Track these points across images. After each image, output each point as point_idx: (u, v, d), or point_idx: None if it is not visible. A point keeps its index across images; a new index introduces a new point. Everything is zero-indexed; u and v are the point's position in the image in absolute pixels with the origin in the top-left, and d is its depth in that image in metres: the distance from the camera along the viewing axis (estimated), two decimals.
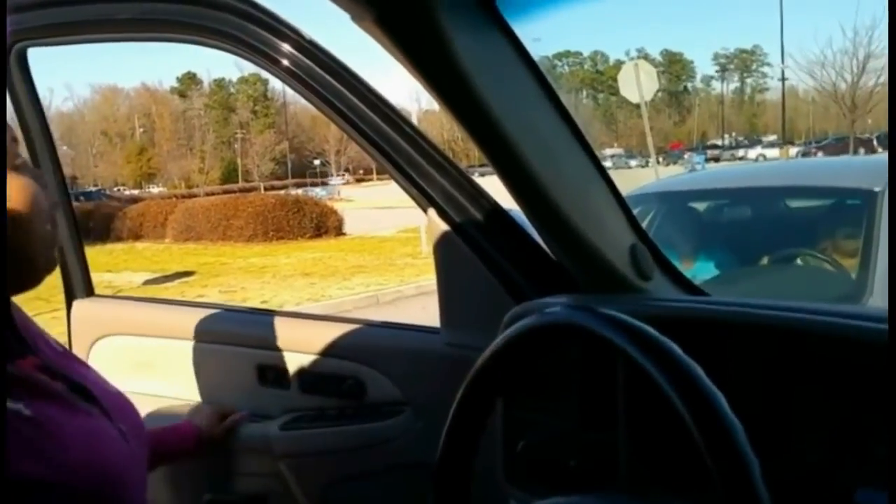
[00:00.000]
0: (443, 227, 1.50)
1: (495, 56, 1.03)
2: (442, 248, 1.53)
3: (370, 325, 1.78)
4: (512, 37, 1.03)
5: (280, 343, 1.70)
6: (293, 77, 1.46)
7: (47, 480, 0.82)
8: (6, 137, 0.61)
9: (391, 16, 0.90)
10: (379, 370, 1.62)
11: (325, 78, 1.46)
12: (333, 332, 1.68)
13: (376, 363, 1.63)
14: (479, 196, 1.49)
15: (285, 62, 1.46)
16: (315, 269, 12.81)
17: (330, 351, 1.66)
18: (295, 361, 1.68)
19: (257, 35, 1.45)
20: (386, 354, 1.64)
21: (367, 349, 1.65)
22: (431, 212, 1.51)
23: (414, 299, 9.62)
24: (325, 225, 18.33)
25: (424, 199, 1.51)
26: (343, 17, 0.94)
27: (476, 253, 1.48)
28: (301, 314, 2.05)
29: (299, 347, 1.69)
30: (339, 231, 18.43)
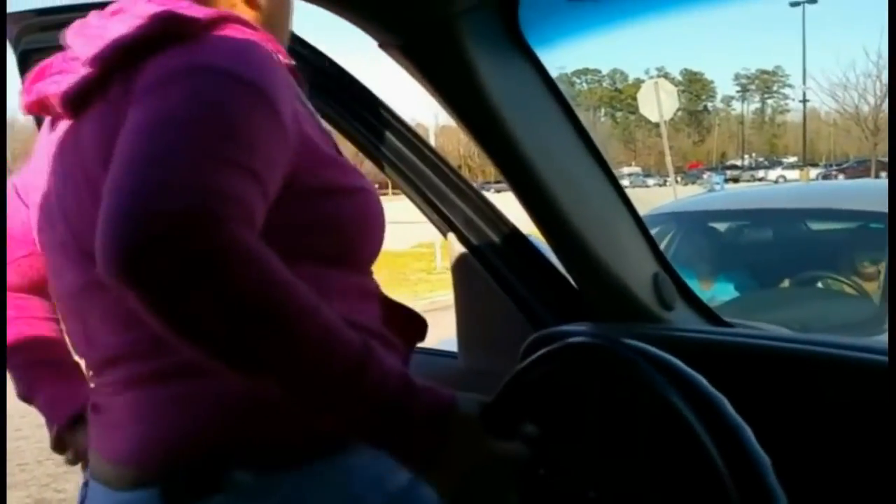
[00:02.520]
0: (462, 251, 1.49)
1: (520, 83, 1.02)
2: (461, 273, 1.52)
3: None
4: (537, 64, 1.03)
5: None
6: (312, 97, 1.46)
7: None
8: (6, 136, 0.64)
9: (418, 43, 0.90)
10: None
11: (345, 99, 1.46)
12: None
13: None
14: (499, 221, 1.48)
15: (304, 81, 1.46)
16: None
17: None
18: None
19: None
20: None
21: None
22: (451, 236, 1.50)
23: (428, 315, 9.59)
24: None
25: (444, 223, 1.50)
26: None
27: (495, 278, 1.47)
28: None
29: None
30: None
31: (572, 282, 1.36)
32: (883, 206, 3.10)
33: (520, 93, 1.03)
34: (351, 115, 1.46)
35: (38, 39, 1.60)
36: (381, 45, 0.91)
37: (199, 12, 0.78)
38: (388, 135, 1.46)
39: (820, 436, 0.97)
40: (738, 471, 0.74)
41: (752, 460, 0.74)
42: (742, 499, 0.74)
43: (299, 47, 1.44)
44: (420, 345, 1.78)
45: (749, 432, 0.76)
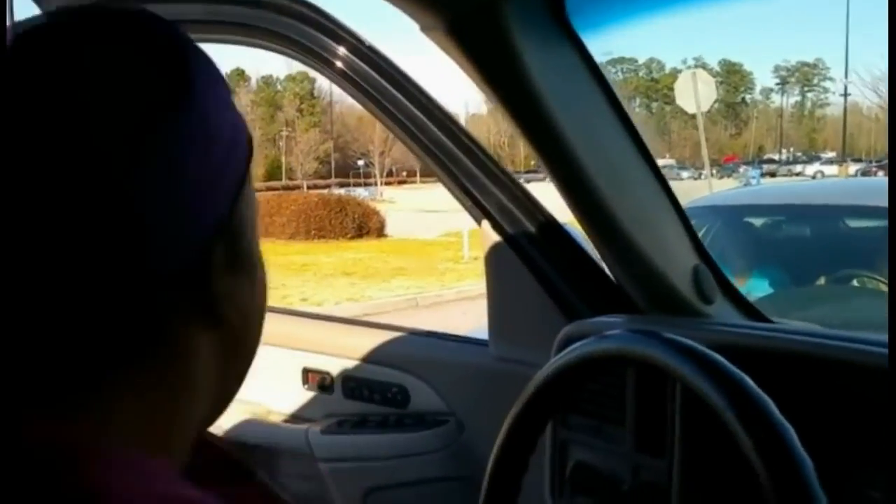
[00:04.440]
0: (496, 239, 1.48)
1: (565, 69, 1.01)
2: (494, 261, 1.51)
3: (417, 333, 1.77)
4: (583, 50, 1.01)
5: (326, 347, 1.70)
6: (348, 80, 1.45)
7: None
8: (6, 134, 0.43)
9: (462, 27, 0.88)
10: (424, 380, 1.61)
11: (382, 83, 1.45)
12: (379, 338, 1.67)
13: (422, 373, 1.61)
14: (535, 210, 1.47)
15: (340, 65, 1.45)
16: (355, 270, 12.87)
17: (375, 358, 1.65)
18: (340, 366, 1.67)
19: (314, 38, 1.44)
20: (432, 364, 1.62)
21: (413, 358, 1.64)
22: (485, 223, 1.49)
23: (454, 304, 9.61)
24: (366, 226, 18.40)
25: (478, 210, 1.49)
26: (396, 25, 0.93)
27: (529, 267, 1.46)
28: (349, 320, 2.05)
29: (345, 353, 1.68)
30: (380, 232, 18.50)
31: (608, 272, 1.35)
32: None
33: (564, 79, 1.01)
34: (385, 97, 1.45)
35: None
36: (423, 29, 0.90)
37: None
38: (423, 118, 1.45)
39: (863, 436, 0.95)
40: (780, 472, 0.73)
41: (794, 462, 0.73)
42: (780, 500, 0.73)
43: (336, 27, 1.43)
44: (451, 332, 1.78)
45: (791, 432, 0.74)
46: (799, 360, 1.02)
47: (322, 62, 1.46)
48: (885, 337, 1.02)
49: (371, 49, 1.44)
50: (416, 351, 1.67)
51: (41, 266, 0.41)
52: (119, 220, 0.42)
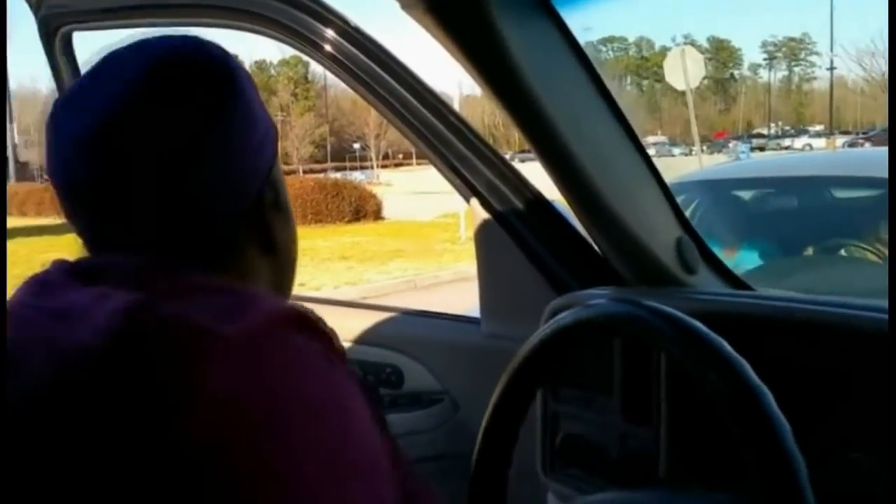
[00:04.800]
0: (485, 216, 1.50)
1: (545, 45, 1.02)
2: (483, 239, 1.53)
3: (409, 313, 1.78)
4: (562, 26, 1.02)
5: None
6: (336, 63, 1.46)
7: None
8: (6, 134, 0.59)
9: (442, 4, 0.90)
10: (418, 360, 1.62)
11: (369, 65, 1.46)
12: (372, 319, 1.68)
13: (415, 352, 1.62)
14: (523, 187, 1.48)
15: (328, 48, 1.45)
16: (353, 253, 12.87)
17: (368, 339, 1.66)
18: None
19: (301, 21, 1.45)
20: (425, 344, 1.63)
21: (405, 338, 1.65)
22: (474, 201, 1.50)
23: (452, 285, 9.63)
24: (363, 209, 18.38)
25: (467, 188, 1.50)
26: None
27: (518, 244, 1.48)
28: (340, 301, 2.06)
29: (338, 334, 1.68)
30: (377, 215, 18.48)
31: (595, 247, 1.37)
32: None
33: (544, 54, 1.02)
34: (373, 79, 1.46)
35: (59, 4, 1.61)
36: (403, 7, 0.91)
37: (228, 328, 0.57)
38: (412, 99, 1.46)
39: (843, 398, 0.97)
40: (757, 435, 0.74)
41: (771, 425, 0.74)
42: (760, 463, 0.74)
43: (323, 10, 1.44)
44: (443, 311, 1.80)
45: (769, 396, 0.76)
46: (779, 325, 1.05)
47: (311, 45, 1.46)
48: (865, 301, 1.04)
49: (358, 31, 1.45)
50: (409, 331, 1.68)
51: (177, 214, 0.66)
52: (195, 184, 0.65)
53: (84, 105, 0.65)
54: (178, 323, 0.57)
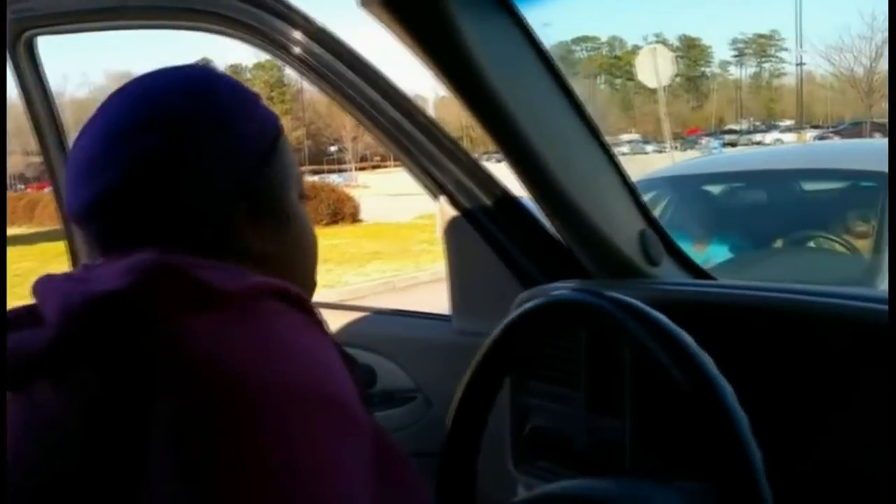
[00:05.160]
0: (453, 214, 1.51)
1: (504, 40, 1.03)
2: (452, 236, 1.54)
3: (380, 312, 1.78)
4: (520, 22, 1.03)
5: None
6: (304, 64, 1.46)
7: None
8: (6, 135, 0.65)
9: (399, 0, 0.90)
10: (390, 358, 1.62)
11: (336, 66, 1.46)
12: (342, 320, 1.68)
13: (387, 351, 1.62)
14: (491, 183, 1.49)
15: (297, 50, 1.45)
16: (331, 256, 12.82)
17: (340, 339, 1.63)
18: None
19: (268, 22, 1.45)
20: (397, 343, 1.64)
21: (377, 337, 1.65)
22: (443, 199, 1.51)
23: (430, 285, 9.62)
24: (341, 211, 18.32)
25: (435, 185, 1.51)
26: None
27: (487, 240, 1.49)
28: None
29: None
30: (355, 218, 18.44)
31: (562, 241, 1.38)
32: (875, 166, 3.12)
33: (503, 50, 1.03)
34: (341, 79, 1.46)
35: (22, 8, 1.60)
36: (361, 4, 0.91)
37: (231, 283, 0.67)
38: (380, 99, 1.46)
39: (802, 385, 0.99)
40: (715, 429, 0.76)
41: (729, 419, 0.76)
42: (718, 457, 0.76)
43: (290, 11, 1.44)
44: (416, 310, 1.80)
45: (727, 388, 0.77)
46: (739, 313, 1.06)
47: (278, 47, 1.46)
48: (824, 288, 1.06)
49: (323, 32, 1.45)
50: (380, 330, 1.68)
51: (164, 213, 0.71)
52: (170, 200, 0.71)
53: (85, 133, 0.74)
54: (180, 273, 0.64)
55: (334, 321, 1.68)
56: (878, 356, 0.91)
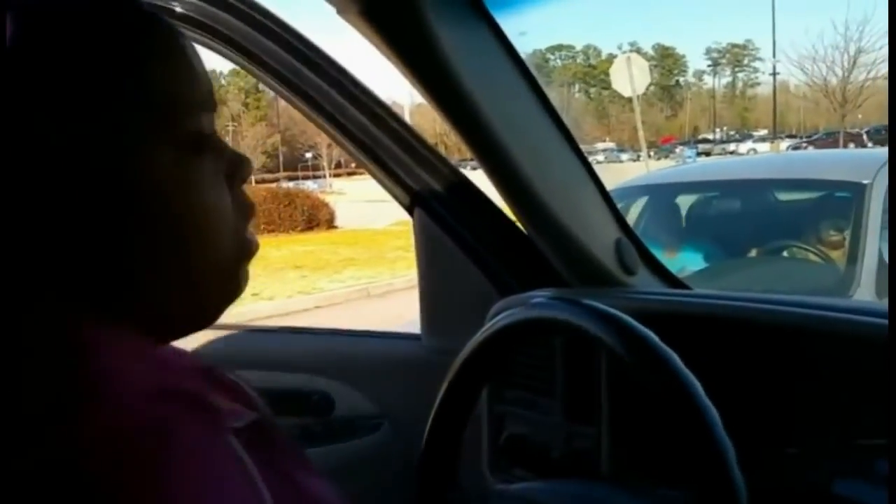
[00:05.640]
0: (427, 224, 1.44)
1: (480, 49, 1.03)
2: (424, 248, 1.47)
3: (337, 333, 1.69)
4: (497, 31, 1.03)
5: (234, 357, 1.50)
6: (267, 70, 1.37)
7: None
8: (5, 132, 0.50)
9: (376, 9, 0.90)
10: (349, 383, 1.49)
11: (302, 70, 1.37)
12: (296, 343, 1.59)
13: (346, 375, 1.49)
14: (466, 190, 1.44)
15: (262, 56, 1.36)
16: (306, 262, 12.78)
17: (291, 364, 1.52)
18: (252, 379, 1.52)
19: (229, 23, 1.35)
20: (357, 365, 1.52)
21: (334, 361, 1.52)
22: (418, 211, 1.44)
23: (406, 292, 9.61)
24: (316, 218, 18.29)
25: (407, 195, 1.44)
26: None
27: (463, 249, 1.43)
28: (259, 327, 1.92)
29: (255, 361, 1.50)
30: (330, 224, 18.40)
31: (539, 249, 1.37)
32: (848, 176, 3.16)
33: (479, 57, 1.03)
34: (309, 85, 1.39)
35: None
36: (339, 12, 0.91)
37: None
38: (345, 102, 1.39)
39: (774, 392, 0.99)
40: (686, 423, 0.76)
41: (699, 413, 0.76)
42: (690, 451, 0.75)
43: (263, 18, 1.38)
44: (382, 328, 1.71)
45: (697, 385, 0.77)
46: (714, 322, 1.07)
47: (238, 50, 1.37)
48: (798, 298, 1.07)
49: (296, 35, 1.37)
50: (336, 353, 1.56)
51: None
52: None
53: None
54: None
55: (283, 344, 1.60)
56: (854, 367, 0.92)
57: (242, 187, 0.63)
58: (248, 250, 0.62)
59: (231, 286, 0.61)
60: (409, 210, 1.46)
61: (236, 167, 0.61)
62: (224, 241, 0.59)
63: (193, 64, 0.59)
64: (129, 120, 0.54)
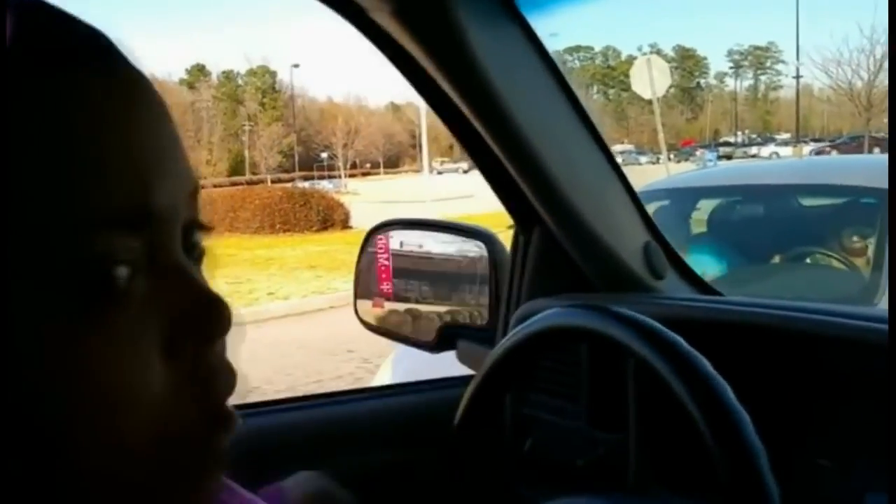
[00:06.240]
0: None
1: (511, 50, 1.02)
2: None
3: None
4: (529, 31, 1.02)
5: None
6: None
7: None
8: (6, 137, 0.39)
9: (409, 8, 0.89)
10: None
11: None
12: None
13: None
14: None
15: None
16: (321, 262, 12.82)
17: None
18: None
19: None
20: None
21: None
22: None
23: None
24: (331, 218, 18.36)
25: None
26: None
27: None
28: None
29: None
30: (345, 224, 18.45)
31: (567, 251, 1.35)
32: (874, 182, 3.12)
33: (511, 59, 1.02)
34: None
35: None
36: (370, 12, 0.91)
37: None
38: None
39: (806, 402, 0.98)
40: (717, 427, 0.75)
41: (730, 417, 0.75)
42: (721, 455, 0.74)
43: None
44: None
45: (727, 389, 0.76)
46: (748, 331, 1.05)
47: None
48: (834, 307, 1.05)
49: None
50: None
51: None
52: None
53: None
54: None
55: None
56: (888, 380, 0.90)
57: (207, 351, 0.40)
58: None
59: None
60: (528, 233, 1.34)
61: (193, 323, 0.39)
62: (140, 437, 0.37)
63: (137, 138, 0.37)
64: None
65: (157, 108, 0.39)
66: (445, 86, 1.00)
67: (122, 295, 0.36)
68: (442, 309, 1.48)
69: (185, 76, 75.05)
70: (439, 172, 47.89)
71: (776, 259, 3.38)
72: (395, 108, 74.71)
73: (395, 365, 2.84)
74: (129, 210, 0.36)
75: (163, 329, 0.38)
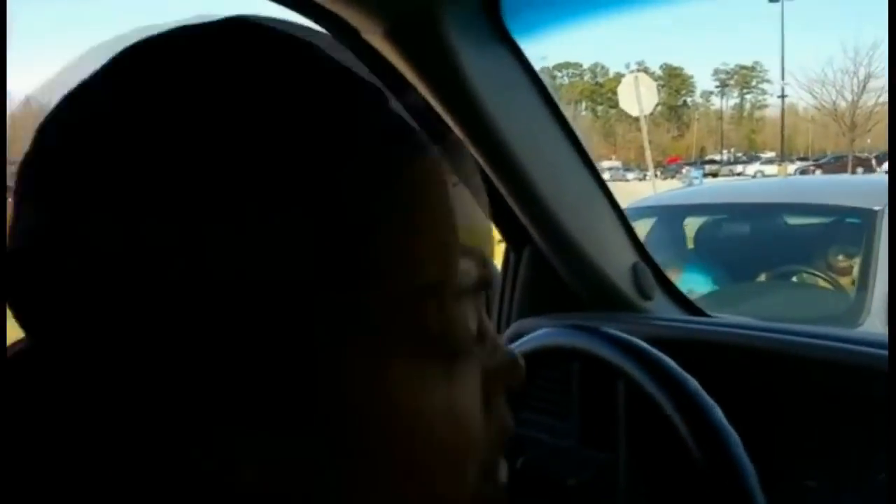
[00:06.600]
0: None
1: (502, 72, 1.03)
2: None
3: None
4: (519, 54, 1.03)
5: None
6: None
7: None
8: (6, 138, 0.39)
9: (401, 30, 0.90)
10: None
11: None
12: None
13: None
14: None
15: None
16: None
17: None
18: None
19: None
20: None
21: None
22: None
23: None
24: None
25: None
26: None
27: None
28: None
29: None
30: None
31: (556, 270, 1.36)
32: (859, 202, 3.15)
33: (502, 81, 1.03)
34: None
35: None
36: (363, 33, 0.92)
37: None
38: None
39: (793, 425, 0.98)
40: (707, 446, 0.75)
41: (719, 435, 0.75)
42: (711, 475, 0.75)
43: None
44: None
45: (716, 409, 0.77)
46: (735, 352, 1.06)
47: None
48: (821, 329, 1.06)
49: None
50: None
51: None
52: None
53: None
54: None
55: None
56: (875, 402, 0.91)
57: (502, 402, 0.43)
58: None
59: None
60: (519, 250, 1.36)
61: (502, 379, 0.42)
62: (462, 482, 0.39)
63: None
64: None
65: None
66: (437, 106, 1.01)
67: (471, 352, 0.39)
68: None
69: None
70: None
71: (762, 277, 3.39)
72: None
73: None
74: (479, 280, 0.39)
75: (482, 384, 0.40)
